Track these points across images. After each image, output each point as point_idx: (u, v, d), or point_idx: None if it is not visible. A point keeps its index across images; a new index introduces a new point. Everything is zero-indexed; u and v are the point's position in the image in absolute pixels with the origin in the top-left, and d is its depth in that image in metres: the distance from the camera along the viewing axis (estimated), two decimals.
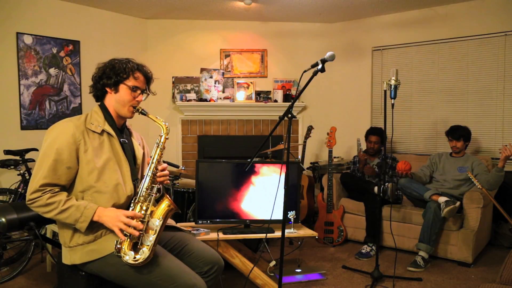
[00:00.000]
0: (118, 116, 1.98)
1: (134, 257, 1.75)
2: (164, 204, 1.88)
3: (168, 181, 2.06)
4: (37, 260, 3.55)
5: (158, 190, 1.94)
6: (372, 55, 5.12)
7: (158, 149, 1.95)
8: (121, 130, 2.02)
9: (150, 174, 1.90)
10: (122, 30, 4.91)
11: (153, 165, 1.92)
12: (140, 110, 1.97)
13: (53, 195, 1.76)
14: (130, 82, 1.93)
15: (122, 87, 1.93)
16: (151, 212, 1.86)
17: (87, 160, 1.82)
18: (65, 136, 1.80)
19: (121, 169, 1.90)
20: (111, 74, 1.91)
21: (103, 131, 1.90)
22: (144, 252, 1.76)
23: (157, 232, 1.81)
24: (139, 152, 2.04)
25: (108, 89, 1.94)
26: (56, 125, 1.86)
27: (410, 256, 3.64)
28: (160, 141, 1.96)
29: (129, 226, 1.77)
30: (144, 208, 1.85)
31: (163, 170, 1.96)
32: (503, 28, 4.20)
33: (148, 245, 1.77)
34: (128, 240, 1.77)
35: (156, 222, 1.83)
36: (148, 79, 2.02)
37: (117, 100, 1.94)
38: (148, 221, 1.83)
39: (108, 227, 1.78)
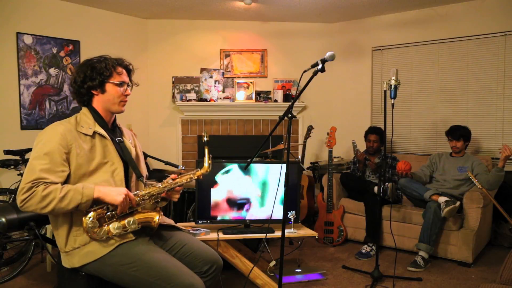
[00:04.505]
0: (108, 115, 1.97)
1: (94, 225, 1.75)
2: (152, 217, 1.88)
3: (176, 199, 2.08)
4: (37, 260, 3.55)
5: (156, 202, 1.96)
6: (372, 55, 5.12)
7: (189, 178, 1.99)
8: (113, 130, 2.01)
9: (162, 187, 1.93)
10: (122, 30, 4.91)
11: (173, 185, 1.95)
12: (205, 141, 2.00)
13: (46, 186, 1.70)
14: (115, 78, 1.92)
15: (108, 86, 1.91)
16: (136, 212, 1.87)
17: (78, 164, 1.80)
18: (56, 139, 1.78)
19: (115, 170, 1.90)
20: (94, 75, 1.88)
21: (94, 133, 1.88)
22: (102, 232, 1.77)
23: (126, 231, 1.82)
24: (132, 152, 2.03)
25: (94, 92, 1.91)
26: (47, 129, 1.83)
27: (410, 256, 3.64)
28: (195, 174, 2.00)
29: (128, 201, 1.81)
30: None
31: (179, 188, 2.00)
32: (503, 28, 4.20)
33: (110, 228, 1.78)
34: (100, 210, 1.78)
35: (133, 223, 1.82)
36: (129, 71, 2.01)
37: (106, 100, 1.92)
38: (131, 214, 1.85)
39: (110, 199, 1.76)
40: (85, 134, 1.86)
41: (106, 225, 1.78)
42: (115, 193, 1.78)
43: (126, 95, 1.97)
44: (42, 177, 1.70)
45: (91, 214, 1.75)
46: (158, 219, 1.88)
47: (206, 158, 2.00)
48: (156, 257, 1.82)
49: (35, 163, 1.73)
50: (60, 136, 1.79)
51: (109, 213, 1.80)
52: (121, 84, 1.93)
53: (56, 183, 1.73)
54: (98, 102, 1.94)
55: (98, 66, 1.89)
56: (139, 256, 1.80)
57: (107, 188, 1.79)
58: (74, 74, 1.94)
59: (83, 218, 1.75)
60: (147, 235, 1.94)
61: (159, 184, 1.96)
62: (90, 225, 1.74)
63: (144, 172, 2.09)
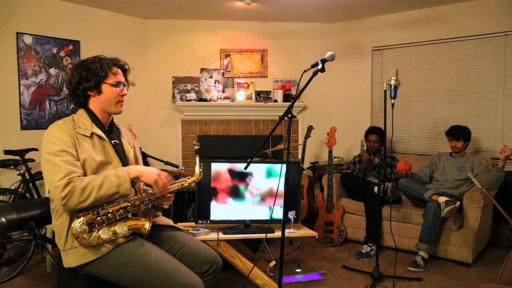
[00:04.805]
0: (105, 116, 1.96)
1: (84, 230, 1.72)
2: (142, 224, 1.87)
3: (166, 206, 2.10)
4: (37, 260, 3.55)
5: (147, 208, 1.96)
6: (372, 55, 5.12)
7: (180, 185, 2.01)
8: (110, 131, 2.00)
9: (152, 192, 1.92)
10: (122, 30, 4.91)
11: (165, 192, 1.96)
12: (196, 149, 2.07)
13: (82, 179, 1.73)
14: (111, 79, 1.91)
15: (104, 87, 1.90)
16: (127, 218, 1.86)
17: (83, 160, 1.81)
18: (65, 137, 1.78)
19: None
20: (90, 76, 1.86)
21: (92, 134, 1.87)
22: (92, 238, 1.74)
23: (117, 237, 1.79)
24: (130, 153, 2.02)
25: (90, 93, 1.90)
26: (53, 130, 1.81)
27: (410, 256, 3.64)
28: (185, 181, 2.02)
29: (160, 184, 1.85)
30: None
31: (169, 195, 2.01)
32: (503, 28, 4.20)
33: (99, 234, 1.75)
34: (90, 215, 1.75)
35: (123, 229, 1.80)
36: (124, 71, 2.00)
37: (102, 101, 1.91)
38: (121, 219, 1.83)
39: (146, 178, 1.83)
40: (84, 135, 1.85)
41: (96, 231, 1.76)
42: (149, 172, 1.83)
43: (123, 95, 1.96)
44: (72, 171, 1.72)
45: (80, 219, 1.73)
46: (149, 226, 1.87)
47: (197, 166, 2.05)
48: (155, 256, 1.82)
49: (56, 160, 1.72)
50: (66, 133, 1.80)
51: (99, 218, 1.77)
52: (117, 84, 1.92)
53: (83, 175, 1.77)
54: (95, 103, 1.92)
55: (93, 67, 1.87)
56: (138, 256, 1.80)
57: (140, 167, 1.85)
58: (69, 75, 1.92)
59: (72, 224, 1.73)
60: None
61: (150, 190, 1.96)
62: (79, 230, 1.72)
63: None
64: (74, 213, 1.76)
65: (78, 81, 1.88)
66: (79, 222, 1.72)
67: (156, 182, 1.84)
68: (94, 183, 1.72)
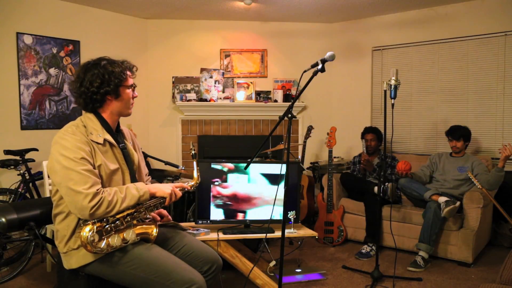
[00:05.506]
0: (115, 119, 1.94)
1: (95, 239, 1.70)
2: (150, 230, 1.89)
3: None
4: (37, 260, 3.56)
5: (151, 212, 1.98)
6: (372, 55, 5.12)
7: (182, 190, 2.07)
8: (117, 134, 1.98)
9: (156, 199, 1.95)
10: (122, 30, 4.91)
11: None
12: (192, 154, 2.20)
13: (108, 192, 1.74)
14: (128, 81, 1.91)
15: (122, 90, 1.88)
16: (135, 225, 1.86)
17: (97, 167, 1.80)
18: (82, 146, 1.75)
19: (124, 177, 1.90)
20: (112, 80, 1.83)
21: (104, 140, 1.85)
22: (103, 245, 1.72)
23: (127, 243, 1.79)
24: (134, 157, 2.01)
25: (109, 97, 1.86)
26: (67, 137, 1.76)
27: (410, 256, 3.64)
28: (186, 187, 2.09)
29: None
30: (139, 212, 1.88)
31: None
32: (503, 28, 4.20)
33: (109, 241, 1.74)
34: (99, 223, 1.72)
35: (132, 235, 1.80)
36: (133, 73, 2.00)
37: (119, 104, 1.90)
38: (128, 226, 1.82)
39: (162, 192, 1.91)
40: (96, 143, 1.83)
41: (105, 238, 1.74)
42: (164, 187, 1.93)
43: (135, 97, 1.97)
44: (97, 181, 1.73)
45: (89, 227, 1.69)
46: (156, 232, 1.89)
47: (195, 171, 2.14)
48: (155, 254, 1.82)
49: (78, 168, 1.70)
50: (82, 141, 1.77)
51: (107, 226, 1.75)
52: (132, 86, 1.93)
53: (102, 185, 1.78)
54: (109, 107, 1.89)
55: (115, 70, 1.84)
56: (138, 254, 1.80)
57: (155, 185, 1.93)
58: (82, 79, 1.84)
59: (81, 233, 1.69)
60: None
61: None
62: (91, 239, 1.68)
63: (144, 178, 2.09)
64: (82, 221, 1.74)
65: (99, 85, 1.82)
66: (89, 231, 1.68)
67: (171, 195, 1.93)
68: (119, 196, 1.75)
